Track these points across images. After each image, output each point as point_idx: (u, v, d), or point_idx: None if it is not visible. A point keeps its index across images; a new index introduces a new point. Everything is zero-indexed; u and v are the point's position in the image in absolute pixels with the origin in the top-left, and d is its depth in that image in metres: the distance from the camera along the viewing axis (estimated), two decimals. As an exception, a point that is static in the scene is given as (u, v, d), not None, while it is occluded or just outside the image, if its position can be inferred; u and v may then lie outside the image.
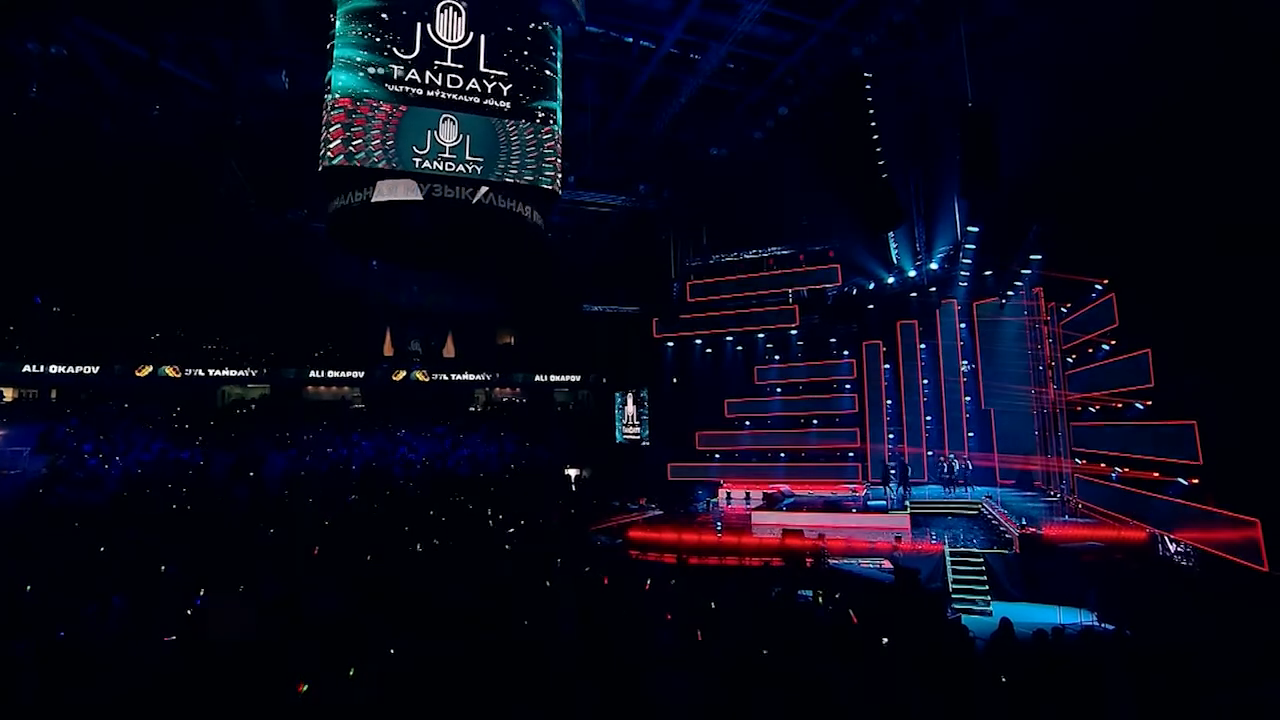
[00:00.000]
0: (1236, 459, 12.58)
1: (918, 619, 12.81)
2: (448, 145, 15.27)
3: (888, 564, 16.84)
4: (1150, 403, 15.64)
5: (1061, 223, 16.82)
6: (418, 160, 14.98)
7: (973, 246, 19.77)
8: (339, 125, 14.59)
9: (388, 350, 38.41)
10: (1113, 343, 17.44)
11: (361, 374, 35.47)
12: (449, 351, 40.06)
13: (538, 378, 38.97)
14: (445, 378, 37.37)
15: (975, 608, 15.46)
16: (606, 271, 33.41)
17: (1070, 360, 19.99)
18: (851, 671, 7.65)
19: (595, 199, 29.82)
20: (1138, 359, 15.39)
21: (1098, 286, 17.53)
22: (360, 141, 14.60)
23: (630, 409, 34.29)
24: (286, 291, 32.23)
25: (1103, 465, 17.58)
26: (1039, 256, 17.39)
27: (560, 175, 16.95)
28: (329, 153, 14.59)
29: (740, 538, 18.68)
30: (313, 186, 16.66)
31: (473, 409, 39.66)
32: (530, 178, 16.17)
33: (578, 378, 39.12)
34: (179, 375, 30.40)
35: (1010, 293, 21.08)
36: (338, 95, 14.68)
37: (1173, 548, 14.79)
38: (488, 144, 15.73)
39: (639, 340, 31.52)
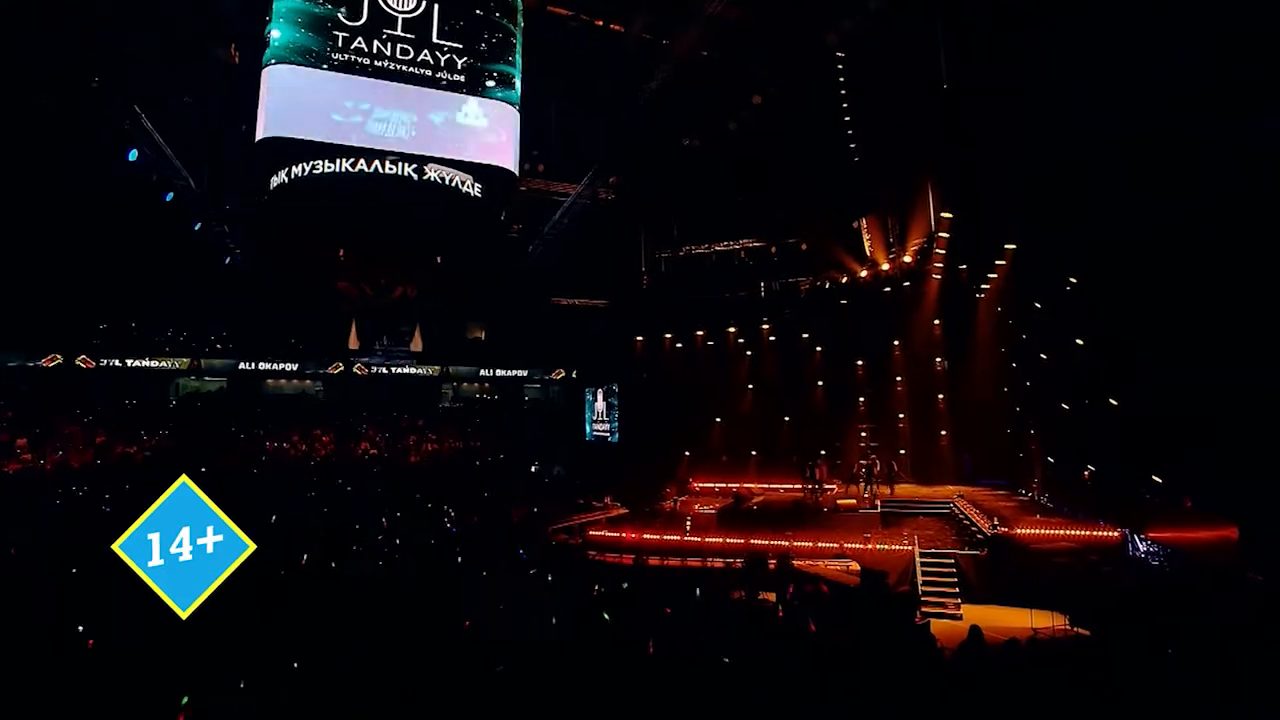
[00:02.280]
0: (1211, 457, 12.10)
1: (884, 625, 12.19)
2: (396, 120, 14.33)
3: (856, 565, 16.22)
4: (1121, 402, 15.16)
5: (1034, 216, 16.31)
6: (362, 134, 14.04)
7: (946, 235, 19.18)
8: (275, 95, 13.60)
9: (353, 343, 37.23)
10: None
11: (325, 367, 34.29)
12: (416, 345, 38.93)
13: (507, 373, 38.00)
14: (413, 371, 36.27)
15: (945, 611, 14.87)
16: (577, 265, 32.53)
17: (1043, 357, 19.55)
18: (811, 682, 7.04)
19: (565, 190, 29.06)
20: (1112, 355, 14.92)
21: (1072, 280, 17.06)
22: (299, 114, 13.61)
23: (600, 405, 33.55)
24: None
25: (1083, 466, 17.11)
26: (1013, 246, 16.82)
27: (519, 155, 16.12)
28: (263, 125, 13.59)
29: (704, 537, 17.98)
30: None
31: (442, 404, 38.60)
32: (493, 160, 15.32)
33: (548, 373, 38.22)
34: (91, 366, 28.51)
35: (985, 285, 20.56)
36: (274, 61, 13.70)
37: (1143, 547, 14.33)
38: (439, 119, 14.82)
39: (608, 335, 30.73)
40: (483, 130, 15.20)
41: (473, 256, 26.23)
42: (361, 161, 13.59)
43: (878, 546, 16.78)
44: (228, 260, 24.09)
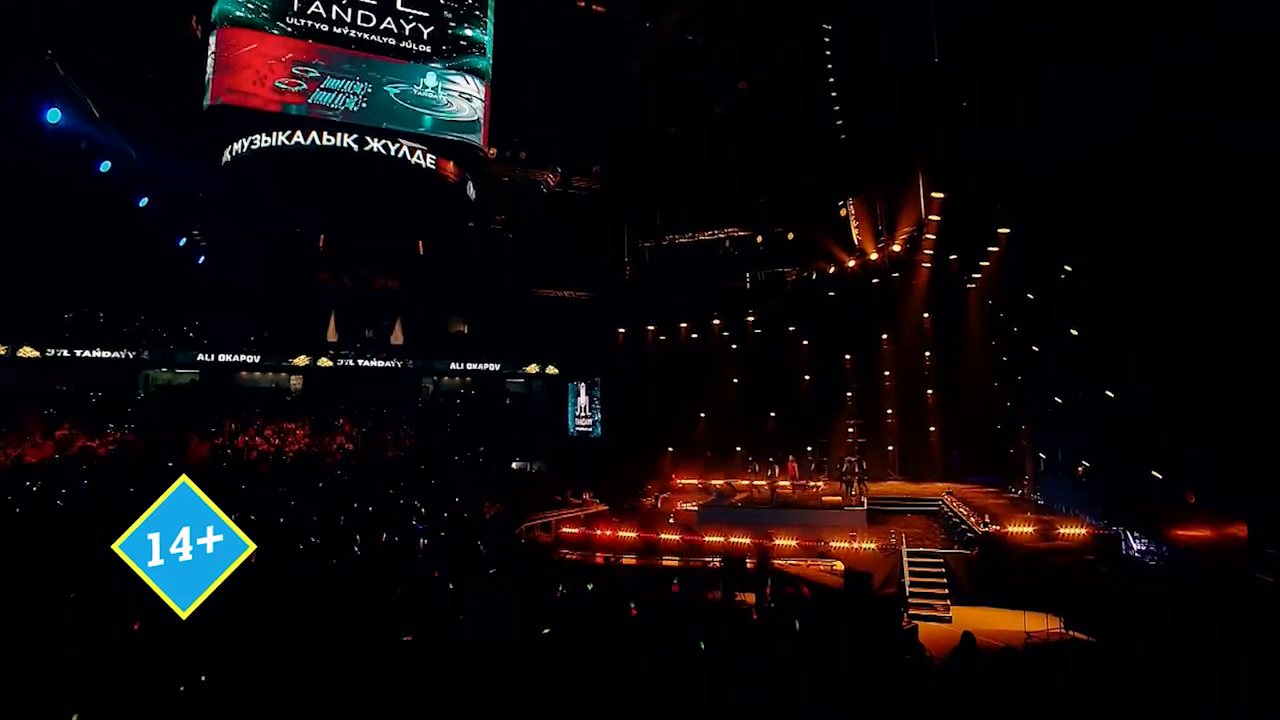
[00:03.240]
0: (1216, 451, 11.41)
1: (868, 629, 11.45)
2: (349, 90, 13.41)
3: (840, 565, 15.48)
4: (1118, 394, 14.47)
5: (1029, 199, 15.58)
6: (310, 104, 13.10)
7: (937, 218, 18.37)
8: (222, 59, 12.65)
9: (331, 335, 36.22)
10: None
11: (302, 359, 33.27)
12: (397, 338, 37.98)
13: (490, 367, 37.09)
14: (393, 365, 35.34)
15: (934, 613, 14.15)
16: (559, 256, 31.66)
17: (1035, 349, 18.87)
18: (788, 693, 6.30)
19: (547, 179, 28.20)
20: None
21: (1067, 269, 16.36)
22: (244, 79, 12.67)
23: (583, 399, 32.74)
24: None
25: (1077, 461, 16.42)
26: (1007, 230, 16.07)
27: (488, 130, 15.22)
28: (210, 91, 12.65)
29: (682, 535, 17.21)
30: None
31: (420, 400, 37.63)
32: (454, 134, 14.42)
33: (532, 368, 37.35)
34: (38, 356, 27.16)
35: (977, 274, 19.85)
36: (224, 24, 12.76)
37: (1138, 545, 13.64)
38: (397, 91, 13.91)
39: (592, 327, 29.90)
40: (447, 103, 14.24)
41: (442, 239, 25.25)
42: (298, 134, 12.58)
43: (863, 545, 16.05)
44: (182, 242, 22.86)
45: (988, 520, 15.56)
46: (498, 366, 37.14)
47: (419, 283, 37.24)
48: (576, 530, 18.48)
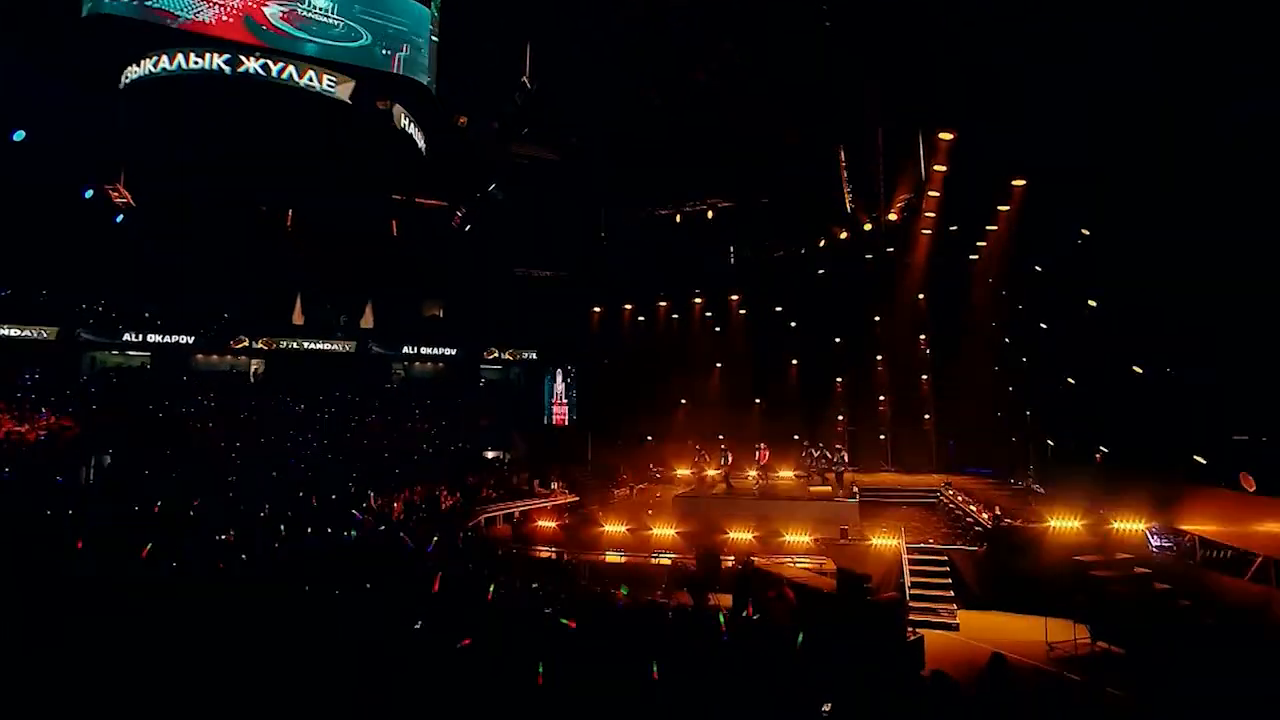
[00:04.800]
0: None
1: (867, 643, 9.66)
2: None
3: (830, 563, 13.70)
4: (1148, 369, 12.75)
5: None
6: (191, 18, 11.08)
7: (937, 194, 16.48)
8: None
9: (297, 318, 34.15)
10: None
11: (265, 343, 31.23)
12: (367, 322, 35.95)
13: (465, 352, 35.22)
14: (363, 349, 33.43)
15: (938, 619, 12.39)
16: (534, 232, 29.69)
17: (1044, 326, 17.17)
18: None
19: (525, 151, 26.19)
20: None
21: (1084, 232, 14.63)
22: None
23: (560, 386, 31.00)
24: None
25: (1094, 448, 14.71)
26: (1022, 182, 14.24)
27: (435, 68, 13.22)
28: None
29: (652, 529, 15.40)
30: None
31: (389, 385, 35.59)
32: (398, 69, 12.44)
33: (507, 354, 35.47)
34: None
35: (982, 241, 18.09)
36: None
37: (1157, 542, 11.96)
38: (308, 9, 11.90)
39: (568, 309, 28.03)
40: (376, 30, 12.21)
41: (392, 192, 23.09)
42: (194, 56, 10.54)
43: (859, 541, 14.31)
44: (89, 194, 20.61)
45: (999, 512, 13.81)
46: (473, 352, 35.32)
47: (391, 264, 35.29)
48: (536, 523, 16.63)
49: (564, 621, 9.25)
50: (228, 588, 9.03)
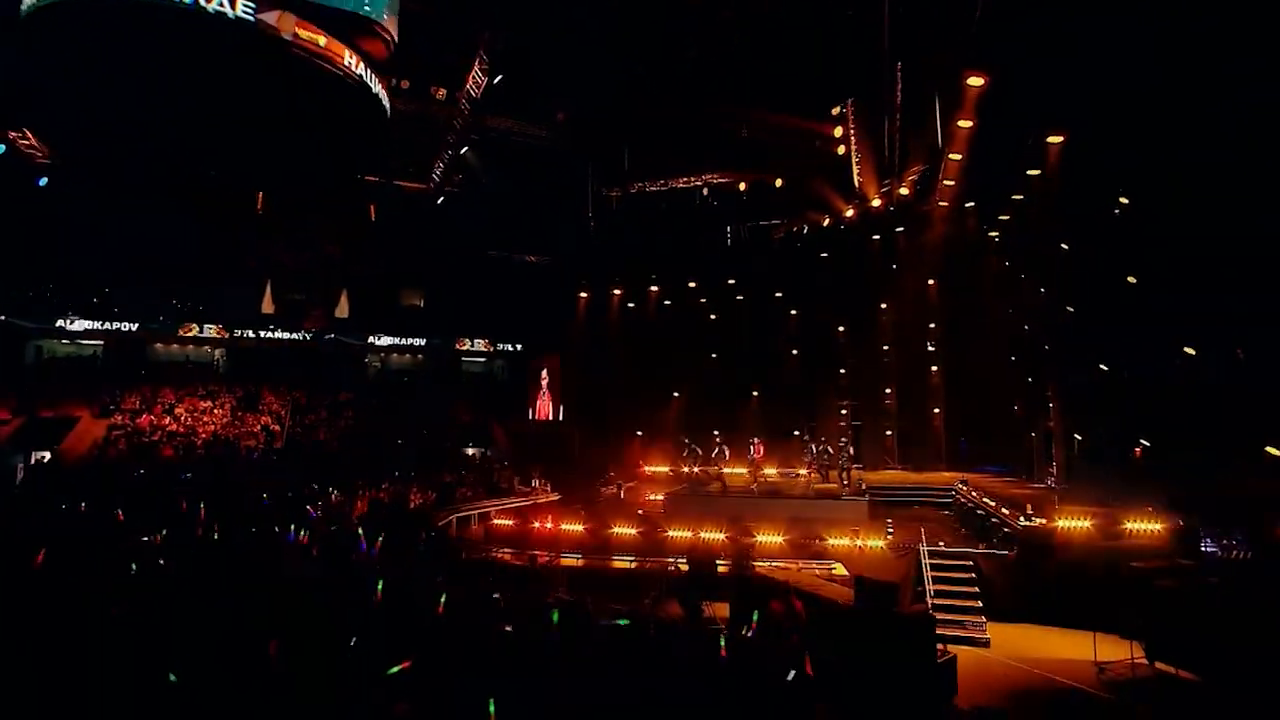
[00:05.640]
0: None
1: (896, 665, 8.08)
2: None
3: (841, 569, 12.11)
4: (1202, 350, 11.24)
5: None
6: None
7: (958, 156, 14.82)
8: None
9: (267, 306, 32.33)
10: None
11: (227, 331, 29.44)
12: (342, 311, 34.19)
13: (444, 343, 33.57)
14: (336, 339, 31.73)
15: (965, 634, 10.78)
16: (520, 218, 28.05)
17: (1070, 310, 15.66)
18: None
19: (506, 125, 24.64)
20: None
21: (1123, 201, 13.11)
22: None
23: (545, 378, 29.37)
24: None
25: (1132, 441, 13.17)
26: (1060, 138, 12.63)
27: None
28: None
29: (639, 530, 13.77)
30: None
31: (365, 377, 33.83)
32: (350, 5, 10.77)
33: (490, 344, 33.82)
34: None
35: (1004, 215, 16.53)
36: None
37: (1217, 547, 10.43)
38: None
39: (553, 297, 26.40)
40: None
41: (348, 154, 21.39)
42: None
43: (870, 543, 12.74)
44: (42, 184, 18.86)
45: (1030, 512, 12.24)
46: (449, 342, 33.67)
47: (367, 251, 33.56)
48: (511, 522, 15.00)
49: (527, 639, 7.70)
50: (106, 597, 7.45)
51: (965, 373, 19.82)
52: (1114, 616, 9.74)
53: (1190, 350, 11.43)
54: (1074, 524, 11.62)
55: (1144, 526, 10.98)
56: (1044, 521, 12.02)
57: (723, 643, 7.44)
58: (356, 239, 33.43)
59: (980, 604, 11.32)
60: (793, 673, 6.81)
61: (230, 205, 29.91)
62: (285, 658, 7.11)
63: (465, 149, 23.96)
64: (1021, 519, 12.25)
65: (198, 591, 8.46)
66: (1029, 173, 13.51)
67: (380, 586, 8.98)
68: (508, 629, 7.88)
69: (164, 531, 11.43)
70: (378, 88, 13.56)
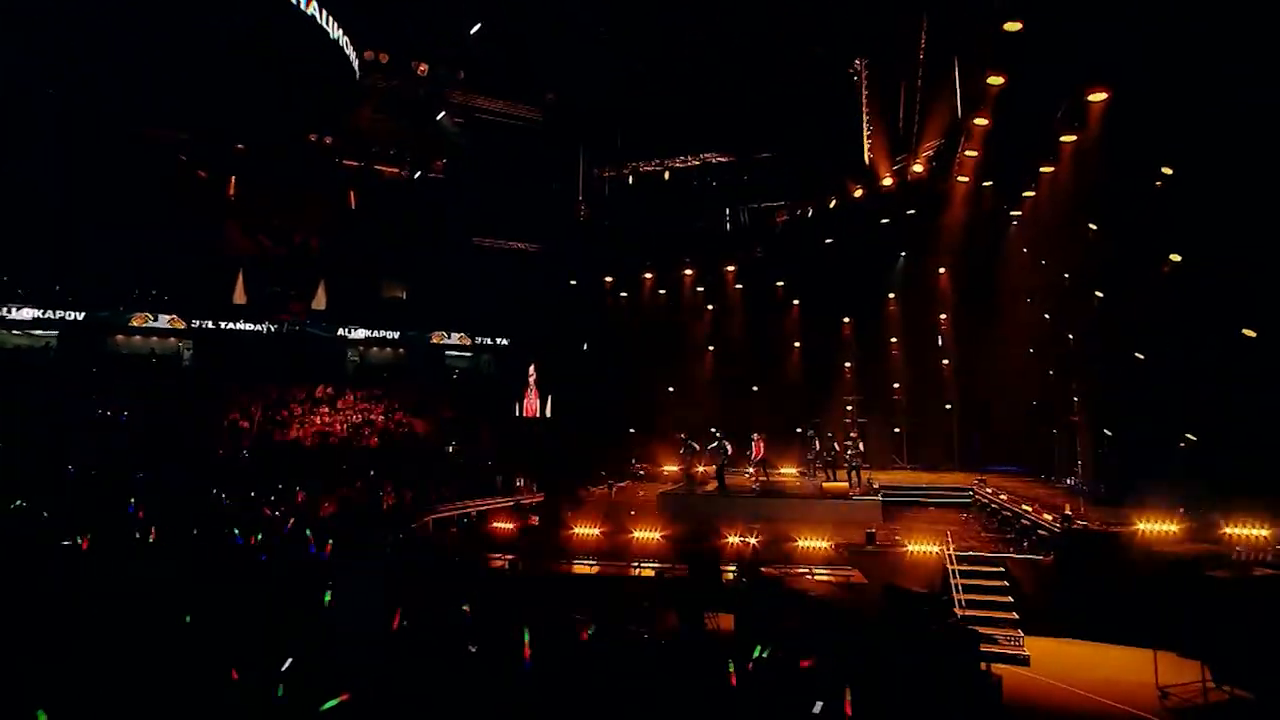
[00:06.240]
0: None
1: (932, 687, 6.82)
2: None
3: (858, 574, 10.82)
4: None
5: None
6: None
7: (984, 121, 13.39)
8: None
9: (239, 297, 30.79)
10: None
11: (185, 322, 27.83)
12: (319, 303, 32.70)
13: (428, 337, 32.12)
14: (314, 333, 30.23)
15: (998, 648, 9.47)
16: (507, 203, 26.67)
17: (1099, 295, 14.46)
18: None
19: (491, 105, 23.35)
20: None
21: (1167, 171, 11.91)
22: None
23: (533, 374, 27.98)
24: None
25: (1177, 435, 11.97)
26: (1103, 95, 11.32)
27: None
28: None
29: (631, 531, 12.45)
30: None
31: (343, 373, 32.32)
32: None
33: (467, 338, 32.40)
34: None
35: (1030, 193, 15.29)
36: None
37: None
38: None
39: (542, 286, 25.08)
40: None
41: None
42: None
43: (891, 547, 11.45)
44: None
45: (1069, 513, 10.97)
46: (437, 337, 32.24)
47: (347, 240, 32.10)
48: (499, 525, 13.66)
49: (498, 660, 6.44)
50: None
51: (980, 367, 18.64)
52: (1178, 632, 8.50)
53: (1250, 333, 10.22)
54: (1152, 527, 10.28)
55: (1246, 531, 9.60)
56: (1084, 523, 10.77)
57: (731, 667, 6.21)
58: (335, 227, 32.01)
59: (1016, 615, 10.06)
60: (819, 705, 5.60)
61: (201, 189, 28.51)
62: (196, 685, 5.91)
63: (446, 120, 22.56)
64: (1059, 521, 10.98)
65: (104, 600, 7.17)
66: (1062, 139, 12.27)
67: (327, 598, 7.69)
68: (472, 649, 6.62)
69: (89, 535, 10.09)
70: (343, 40, 12.28)
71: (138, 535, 10.86)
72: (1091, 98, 11.08)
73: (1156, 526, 10.22)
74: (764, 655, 6.63)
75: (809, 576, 10.53)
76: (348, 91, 18.50)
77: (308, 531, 9.48)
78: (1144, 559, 9.76)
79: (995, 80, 11.65)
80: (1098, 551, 10.19)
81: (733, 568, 10.57)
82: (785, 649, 7.35)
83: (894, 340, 20.49)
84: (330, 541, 9.02)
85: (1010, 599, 10.37)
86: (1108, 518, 11.41)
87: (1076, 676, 8.86)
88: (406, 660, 6.48)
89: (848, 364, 20.96)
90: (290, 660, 5.59)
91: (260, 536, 11.23)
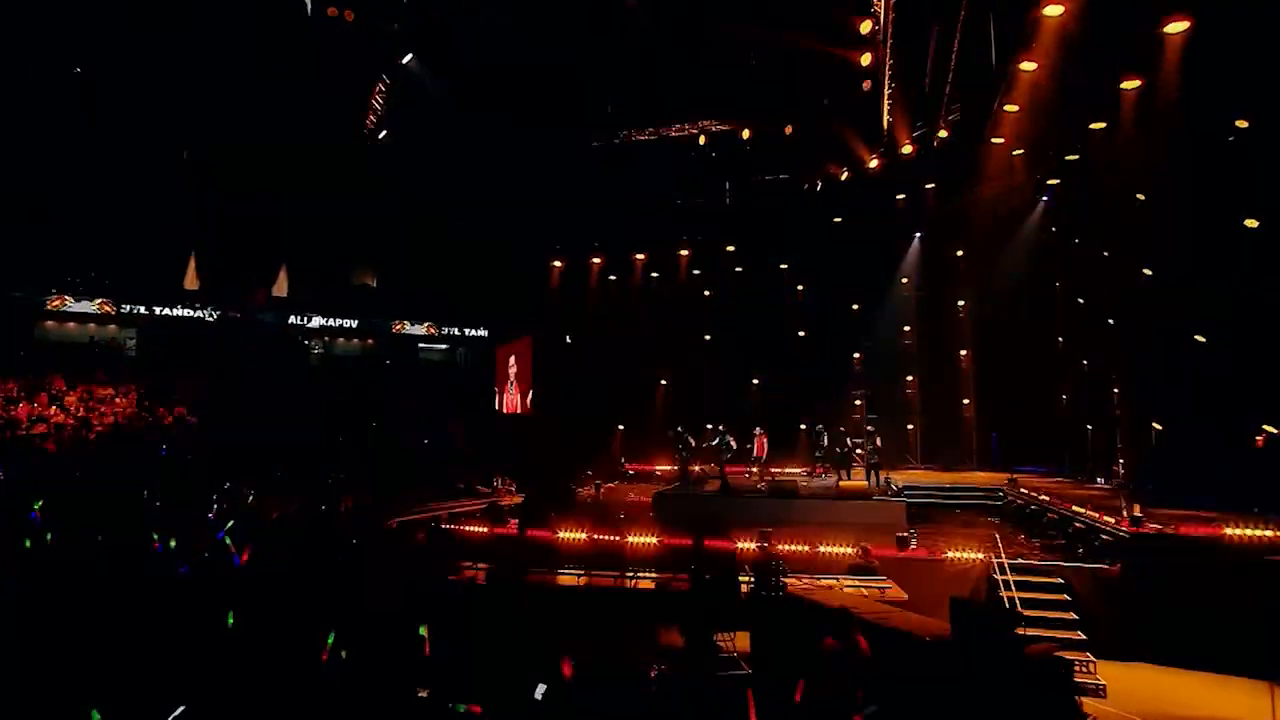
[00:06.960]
0: None
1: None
2: None
3: (893, 587, 9.16)
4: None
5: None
6: None
7: (1031, 66, 11.73)
8: None
9: (191, 282, 28.68)
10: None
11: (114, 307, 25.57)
12: (280, 290, 30.68)
13: (399, 327, 30.29)
14: (269, 321, 28.28)
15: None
16: (484, 171, 24.61)
17: (1147, 273, 12.98)
18: None
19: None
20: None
21: (1242, 124, 10.42)
22: None
23: (513, 366, 26.28)
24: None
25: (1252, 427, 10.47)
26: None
27: None
28: None
29: (623, 536, 10.71)
30: None
31: (308, 364, 30.33)
32: None
33: (434, 328, 30.61)
34: None
35: (1074, 155, 13.77)
36: None
37: None
38: None
39: (523, 268, 23.35)
40: None
41: None
42: None
43: (951, 554, 9.81)
44: None
45: (1139, 514, 9.38)
46: (408, 327, 30.42)
47: (311, 221, 29.96)
48: (472, 529, 11.91)
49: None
50: None
51: (1000, 359, 17.14)
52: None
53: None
54: (1243, 531, 8.68)
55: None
56: (1158, 526, 9.20)
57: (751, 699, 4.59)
58: (297, 205, 29.85)
59: (1084, 636, 8.45)
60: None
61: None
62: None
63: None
64: (1125, 523, 9.39)
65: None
66: (1123, 85, 10.66)
67: (230, 619, 5.88)
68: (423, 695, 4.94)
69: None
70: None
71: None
72: (1169, 28, 9.54)
73: (1248, 530, 8.65)
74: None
75: (840, 589, 8.86)
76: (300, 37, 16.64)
77: (227, 539, 7.64)
78: (1239, 568, 8.20)
79: (1053, 9, 9.99)
80: (1180, 559, 8.61)
81: (748, 578, 8.86)
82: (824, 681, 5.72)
83: (907, 329, 19.00)
84: (248, 547, 7.19)
85: (1074, 615, 8.78)
86: (1171, 520, 9.86)
87: (1173, 713, 7.26)
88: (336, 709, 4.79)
89: (857, 354, 19.44)
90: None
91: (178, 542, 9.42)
